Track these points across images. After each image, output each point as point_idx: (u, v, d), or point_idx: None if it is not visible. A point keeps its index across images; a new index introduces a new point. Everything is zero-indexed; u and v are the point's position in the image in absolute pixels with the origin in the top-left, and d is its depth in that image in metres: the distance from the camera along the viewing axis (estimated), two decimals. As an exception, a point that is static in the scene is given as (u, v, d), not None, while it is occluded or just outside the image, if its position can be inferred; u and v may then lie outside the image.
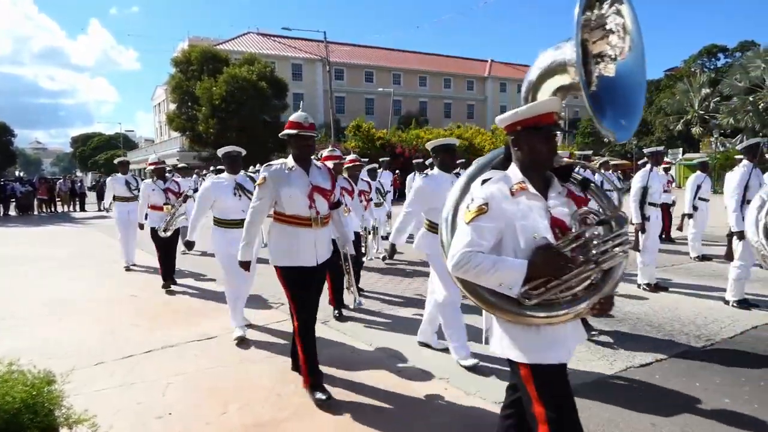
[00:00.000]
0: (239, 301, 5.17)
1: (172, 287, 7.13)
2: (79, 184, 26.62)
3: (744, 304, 5.81)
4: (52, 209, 23.91)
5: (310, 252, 3.68)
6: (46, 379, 2.47)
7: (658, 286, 6.73)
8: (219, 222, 5.17)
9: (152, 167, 7.51)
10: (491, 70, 59.24)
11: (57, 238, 13.75)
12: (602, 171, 10.65)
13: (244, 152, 5.33)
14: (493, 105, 58.07)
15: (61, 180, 26.79)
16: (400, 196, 16.44)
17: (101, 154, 68.95)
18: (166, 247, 7.28)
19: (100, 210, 24.26)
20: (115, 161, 9.41)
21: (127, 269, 8.78)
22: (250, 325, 5.35)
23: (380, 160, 12.83)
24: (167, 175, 8.20)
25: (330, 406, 3.52)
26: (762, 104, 30.63)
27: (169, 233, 7.15)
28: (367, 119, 32.54)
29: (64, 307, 6.28)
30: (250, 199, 4.11)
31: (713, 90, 36.63)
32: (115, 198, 8.96)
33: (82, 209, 24.79)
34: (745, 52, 39.41)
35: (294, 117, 3.70)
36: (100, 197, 26.02)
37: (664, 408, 3.46)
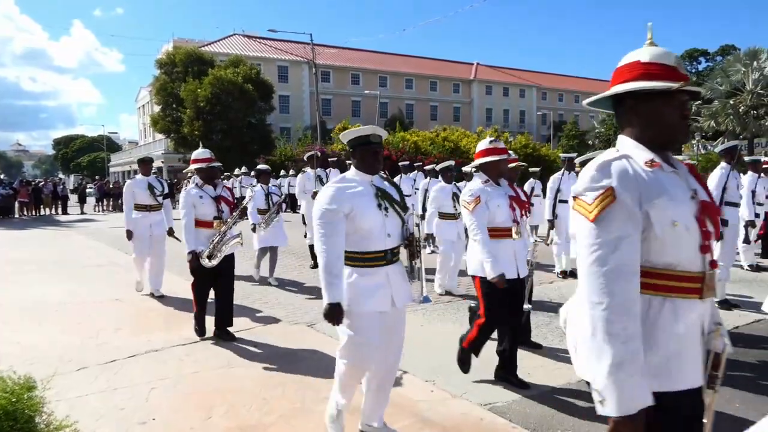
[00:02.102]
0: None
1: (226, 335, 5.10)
2: (61, 186, 26.23)
3: (725, 304, 5.89)
4: (34, 212, 23.54)
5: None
6: (27, 385, 2.43)
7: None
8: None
9: (198, 166, 5.17)
10: (477, 73, 59.54)
11: (39, 241, 13.54)
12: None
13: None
14: (479, 108, 58.41)
15: (43, 182, 26.40)
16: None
17: (84, 156, 68.16)
18: (212, 281, 5.05)
19: (82, 213, 23.99)
20: (135, 158, 7.80)
21: (152, 294, 6.91)
22: (230, 337, 5.30)
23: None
24: (246, 178, 7.08)
25: (320, 409, 3.51)
26: (742, 107, 31.15)
27: (215, 262, 4.86)
28: (354, 121, 32.56)
29: (46, 311, 6.18)
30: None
31: (695, 93, 37.10)
32: (134, 207, 6.86)
33: (65, 212, 24.44)
34: (725, 56, 40.07)
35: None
36: (83, 200, 25.72)
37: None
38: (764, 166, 8.35)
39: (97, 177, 34.70)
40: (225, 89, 30.56)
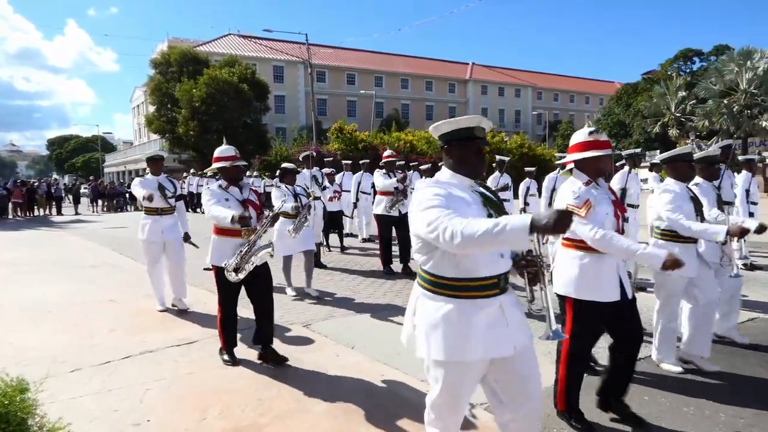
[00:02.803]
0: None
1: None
2: (55, 187, 26.12)
3: (719, 303, 5.92)
4: (28, 213, 23.42)
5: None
6: (19, 387, 2.41)
7: (637, 287, 6.83)
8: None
9: (221, 165, 4.52)
10: (472, 73, 59.64)
11: (33, 242, 13.47)
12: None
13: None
14: (474, 107, 58.46)
15: (37, 183, 26.27)
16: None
17: (78, 156, 67.91)
18: (245, 292, 4.43)
19: (77, 214, 23.89)
20: (144, 156, 6.60)
21: (165, 309, 6.14)
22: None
23: (360, 162, 12.81)
24: (246, 179, 6.22)
25: (314, 409, 3.50)
26: (736, 107, 31.29)
27: (242, 275, 4.18)
28: (350, 121, 32.52)
29: (40, 312, 6.14)
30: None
31: (689, 93, 37.33)
32: (145, 210, 6.24)
33: (59, 213, 24.33)
34: (719, 56, 40.22)
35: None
36: (77, 201, 25.61)
37: (642, 406, 3.50)
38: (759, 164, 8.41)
39: (91, 177, 34.53)
40: (220, 89, 30.51)
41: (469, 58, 74.73)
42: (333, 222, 10.49)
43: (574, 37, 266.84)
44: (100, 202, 26.81)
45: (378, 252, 8.65)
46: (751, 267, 8.22)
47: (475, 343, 2.17)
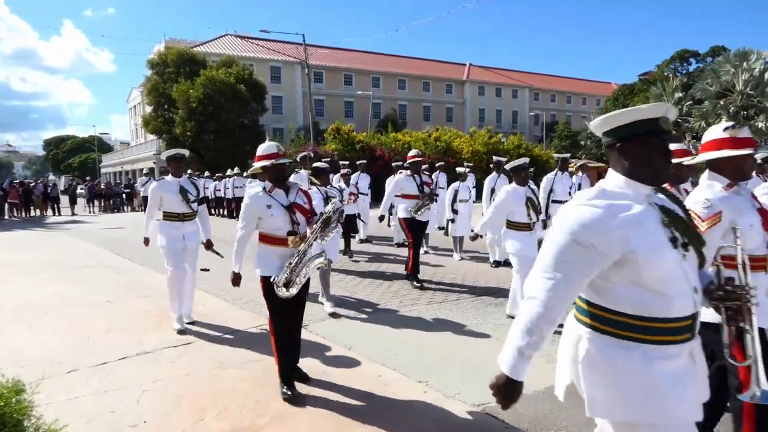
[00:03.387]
0: None
1: None
2: (51, 186, 26.03)
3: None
4: (24, 214, 23.34)
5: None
6: (15, 389, 2.39)
7: None
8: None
9: (263, 164, 3.85)
10: (469, 74, 59.68)
11: (29, 243, 13.42)
12: (580, 173, 10.83)
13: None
14: (472, 108, 58.53)
15: (33, 183, 26.17)
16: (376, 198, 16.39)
17: (75, 157, 67.72)
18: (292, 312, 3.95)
19: (73, 214, 23.81)
20: (164, 155, 5.73)
21: (182, 332, 5.31)
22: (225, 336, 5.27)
23: (357, 162, 12.80)
24: (298, 176, 5.95)
25: (311, 410, 3.49)
26: (732, 108, 31.42)
27: (294, 290, 3.73)
28: (347, 122, 32.45)
29: (36, 313, 6.12)
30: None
31: (685, 94, 37.46)
32: (164, 216, 5.52)
33: (56, 213, 24.24)
34: (716, 57, 40.39)
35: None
36: (73, 201, 25.52)
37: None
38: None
39: (87, 178, 34.44)
40: (217, 90, 30.45)
41: (466, 59, 74.75)
42: (348, 226, 9.78)
43: (571, 38, 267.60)
44: (96, 202, 26.72)
45: (385, 255, 8.54)
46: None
47: (674, 403, 1.69)
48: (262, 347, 4.77)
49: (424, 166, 12.01)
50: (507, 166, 5.36)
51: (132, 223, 18.71)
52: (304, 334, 5.24)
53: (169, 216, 5.48)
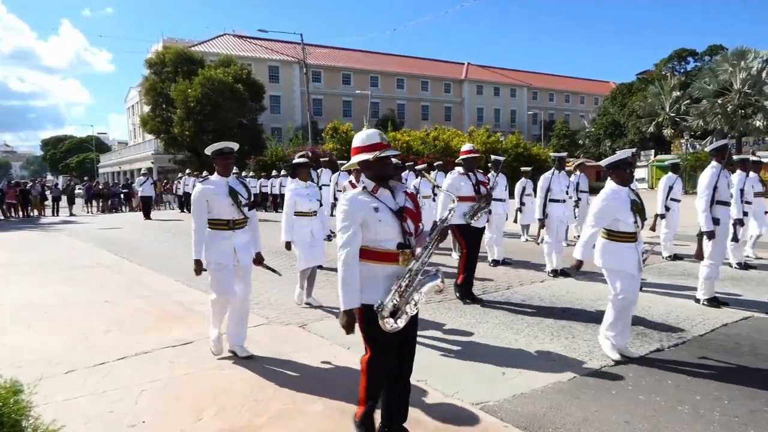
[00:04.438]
0: None
1: None
2: (52, 186, 26.00)
3: (714, 302, 5.94)
4: (22, 214, 23.30)
5: None
6: (13, 389, 2.39)
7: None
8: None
9: (363, 158, 2.96)
10: (468, 73, 59.73)
11: (27, 243, 13.41)
12: (578, 172, 10.84)
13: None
14: (470, 107, 58.59)
15: (31, 184, 26.13)
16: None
17: (73, 157, 67.65)
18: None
19: (71, 214, 23.78)
20: (209, 151, 4.54)
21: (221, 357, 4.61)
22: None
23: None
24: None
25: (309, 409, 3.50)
26: (730, 107, 31.47)
27: (402, 323, 2.88)
28: (345, 121, 32.51)
29: (34, 313, 6.11)
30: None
31: (683, 93, 37.53)
32: (210, 223, 4.46)
33: (55, 213, 24.21)
34: (713, 56, 40.48)
35: None
36: (71, 201, 25.49)
37: (638, 405, 3.52)
38: (753, 160, 8.45)
39: (86, 178, 34.40)
40: (215, 89, 30.42)
41: (464, 58, 74.90)
42: None
43: (569, 37, 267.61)
44: (94, 202, 26.68)
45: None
46: (745, 266, 8.26)
47: None
48: (260, 347, 4.77)
49: (421, 166, 12.07)
50: (603, 163, 4.51)
51: (130, 223, 18.71)
52: (303, 333, 5.26)
53: (215, 224, 4.45)
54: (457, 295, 6.39)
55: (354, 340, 4.96)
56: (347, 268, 2.81)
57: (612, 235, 4.40)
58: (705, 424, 3.28)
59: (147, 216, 19.97)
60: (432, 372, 4.16)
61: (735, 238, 7.38)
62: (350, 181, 8.93)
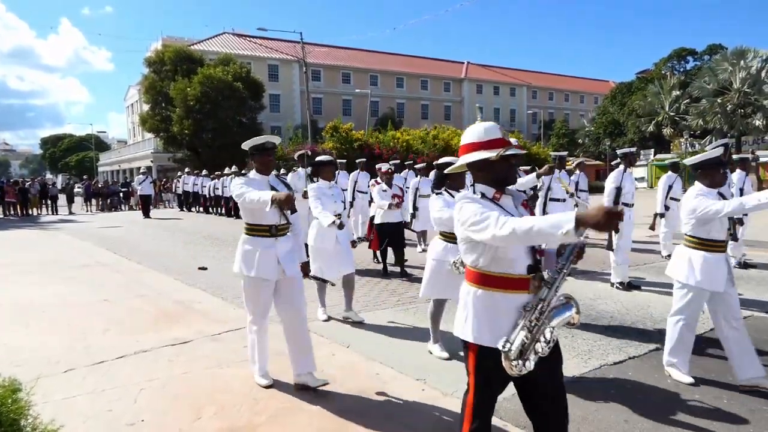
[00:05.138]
0: None
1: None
2: (51, 185, 25.97)
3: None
4: (21, 213, 23.27)
5: None
6: (11, 388, 2.39)
7: (630, 285, 6.85)
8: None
9: (484, 155, 2.31)
10: (467, 72, 59.67)
11: (25, 242, 13.39)
12: (578, 171, 10.83)
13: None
14: (470, 106, 58.49)
15: (30, 182, 26.10)
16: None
17: (72, 155, 67.61)
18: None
19: (70, 213, 23.75)
20: (247, 146, 3.94)
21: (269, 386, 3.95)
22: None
23: (357, 161, 12.79)
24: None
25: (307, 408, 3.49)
26: (729, 106, 31.47)
27: (530, 364, 2.25)
28: (345, 120, 32.41)
29: (33, 312, 6.10)
30: None
31: (683, 92, 37.52)
32: (247, 229, 3.92)
33: (54, 212, 24.19)
34: (713, 56, 40.47)
35: None
36: (70, 200, 25.47)
37: (637, 404, 3.51)
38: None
39: (85, 176, 34.38)
40: (215, 88, 30.41)
41: (464, 57, 74.82)
42: (391, 237, 7.79)
43: (569, 36, 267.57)
44: (94, 201, 26.66)
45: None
46: (745, 265, 8.26)
47: None
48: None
49: (420, 165, 12.01)
50: (690, 162, 3.96)
51: (129, 221, 18.68)
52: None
53: (255, 230, 3.85)
54: None
55: (353, 338, 4.98)
56: (524, 223, 2.04)
57: (701, 243, 3.82)
58: (704, 423, 3.27)
59: (146, 215, 19.96)
60: (430, 371, 4.15)
61: (734, 237, 7.38)
62: (377, 181, 8.55)
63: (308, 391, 3.77)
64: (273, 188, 3.84)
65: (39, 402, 2.80)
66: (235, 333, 5.23)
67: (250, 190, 3.65)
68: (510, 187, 2.41)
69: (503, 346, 2.22)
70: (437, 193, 4.31)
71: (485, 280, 2.31)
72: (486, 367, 2.33)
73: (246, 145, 3.91)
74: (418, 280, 7.66)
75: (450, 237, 4.23)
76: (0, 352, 4.67)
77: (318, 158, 5.83)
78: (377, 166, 8.92)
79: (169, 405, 3.63)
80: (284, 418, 3.42)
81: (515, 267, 2.26)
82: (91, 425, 3.33)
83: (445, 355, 4.45)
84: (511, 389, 3.81)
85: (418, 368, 4.21)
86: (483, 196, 2.30)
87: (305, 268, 4.06)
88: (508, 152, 2.29)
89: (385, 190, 7.88)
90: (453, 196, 4.08)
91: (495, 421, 3.35)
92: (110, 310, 6.23)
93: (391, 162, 11.12)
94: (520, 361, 2.22)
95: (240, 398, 3.70)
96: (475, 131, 2.38)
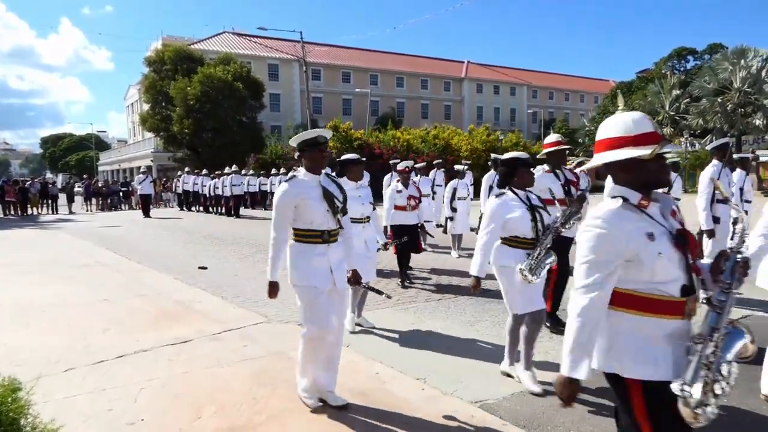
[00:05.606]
0: None
1: None
2: (51, 185, 25.97)
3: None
4: (21, 212, 23.26)
5: None
6: (11, 387, 2.39)
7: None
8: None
9: (635, 153, 1.90)
10: (468, 72, 59.64)
11: (26, 241, 13.39)
12: (577, 171, 10.82)
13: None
14: (470, 106, 58.50)
15: (30, 182, 26.11)
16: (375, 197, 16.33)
17: (72, 155, 67.61)
18: None
19: (71, 212, 23.76)
20: (296, 141, 3.58)
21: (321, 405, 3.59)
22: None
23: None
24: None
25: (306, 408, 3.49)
26: (730, 105, 31.44)
27: (714, 408, 1.81)
28: (345, 120, 32.45)
29: (33, 312, 6.10)
30: None
31: (683, 91, 37.49)
32: (296, 235, 3.51)
33: (54, 211, 24.18)
34: (713, 55, 40.45)
35: None
36: (71, 199, 25.48)
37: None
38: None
39: (85, 176, 34.37)
40: (215, 87, 30.38)
41: (464, 57, 74.75)
42: (407, 241, 6.77)
43: (569, 35, 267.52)
44: (94, 200, 26.66)
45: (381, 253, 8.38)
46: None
47: None
48: (259, 345, 4.77)
49: (420, 165, 11.98)
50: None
51: (129, 221, 18.69)
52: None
53: (306, 236, 3.45)
54: (547, 324, 4.99)
55: (353, 338, 4.98)
56: (588, 319, 1.88)
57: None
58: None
59: (146, 214, 19.97)
60: (430, 370, 4.15)
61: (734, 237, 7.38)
62: (400, 170, 7.79)
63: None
64: (326, 190, 3.46)
65: (39, 401, 2.80)
66: (234, 332, 5.23)
67: (279, 227, 3.43)
68: (657, 191, 2.01)
69: (681, 391, 1.79)
70: (500, 193, 3.91)
71: (630, 302, 1.92)
72: (658, 411, 1.87)
73: (295, 141, 3.55)
74: (419, 279, 7.68)
75: (515, 241, 3.84)
76: (0, 352, 4.67)
77: (344, 157, 5.44)
78: (391, 162, 8.38)
79: (169, 404, 3.63)
80: (284, 417, 3.42)
81: (668, 288, 1.89)
82: (91, 424, 3.33)
83: (536, 388, 3.71)
84: (508, 387, 3.81)
85: (418, 368, 4.21)
86: (625, 201, 1.92)
87: (356, 276, 3.69)
88: (663, 149, 1.92)
89: (400, 191, 7.23)
90: (518, 196, 3.86)
91: (494, 419, 3.36)
92: (110, 309, 6.23)
93: (391, 161, 10.74)
94: (703, 408, 1.78)
95: (240, 397, 3.70)
96: (621, 123, 1.99)
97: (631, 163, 1.92)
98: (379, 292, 4.11)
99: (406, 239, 6.58)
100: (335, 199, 3.48)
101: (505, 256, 3.87)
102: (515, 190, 3.90)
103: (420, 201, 7.63)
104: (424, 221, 8.27)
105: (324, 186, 3.48)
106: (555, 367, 4.15)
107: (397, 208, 7.20)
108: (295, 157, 3.65)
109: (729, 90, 31.82)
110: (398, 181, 7.57)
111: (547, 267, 3.64)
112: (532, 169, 4.05)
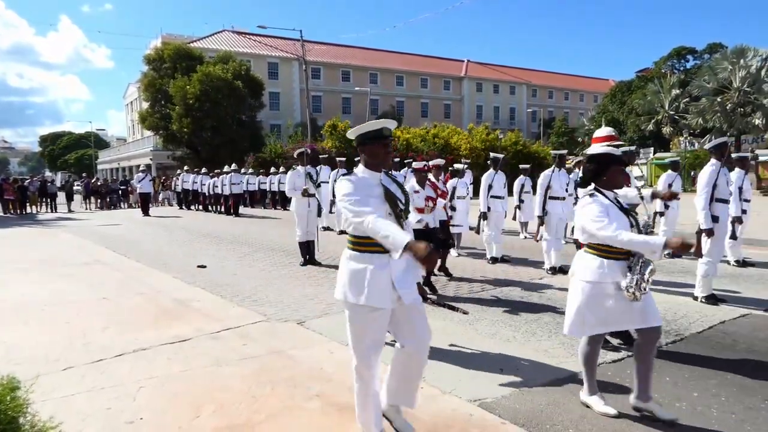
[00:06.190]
0: None
1: None
2: (50, 183, 25.94)
3: (712, 299, 5.94)
4: (20, 210, 23.25)
5: None
6: (10, 386, 2.39)
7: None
8: None
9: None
10: (467, 70, 59.66)
11: (25, 239, 13.38)
12: (577, 170, 10.83)
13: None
14: (470, 104, 58.53)
15: (29, 180, 26.08)
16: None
17: (71, 153, 67.53)
18: None
19: (70, 211, 23.74)
20: (355, 133, 3.00)
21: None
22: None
23: (356, 159, 12.75)
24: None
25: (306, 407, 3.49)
26: (729, 105, 31.44)
27: None
28: (344, 118, 32.50)
29: (32, 310, 6.10)
30: None
31: (683, 91, 37.49)
32: (353, 243, 2.94)
33: (53, 210, 24.16)
34: (713, 54, 40.44)
35: None
36: (70, 198, 25.46)
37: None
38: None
39: (84, 174, 34.35)
40: (214, 86, 30.38)
41: (464, 56, 74.78)
42: (438, 240, 6.75)
43: (568, 34, 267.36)
44: (93, 199, 26.64)
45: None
46: (744, 263, 8.27)
47: None
48: (258, 344, 4.77)
49: (420, 164, 11.93)
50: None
51: (128, 219, 18.68)
52: (301, 330, 5.25)
53: (364, 244, 2.87)
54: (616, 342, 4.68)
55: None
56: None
57: None
58: (702, 421, 3.28)
59: (145, 213, 19.97)
60: (430, 369, 4.14)
61: (733, 236, 7.40)
62: (416, 169, 7.21)
63: (306, 390, 3.77)
64: (388, 191, 2.93)
65: (38, 400, 2.80)
66: (234, 331, 5.23)
67: (373, 216, 2.70)
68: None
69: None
70: (590, 194, 3.38)
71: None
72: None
73: (353, 133, 3.01)
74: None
75: (609, 251, 3.27)
76: (-1, 350, 4.67)
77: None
78: (406, 161, 7.92)
79: (168, 403, 3.63)
80: (283, 416, 3.42)
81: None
82: (90, 423, 3.32)
83: (612, 411, 3.35)
84: (507, 386, 3.82)
85: (417, 366, 4.21)
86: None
87: (421, 291, 3.10)
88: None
89: (417, 191, 6.65)
90: (608, 198, 3.34)
91: (492, 418, 3.36)
92: (109, 308, 6.22)
93: (432, 161, 8.95)
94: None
95: (239, 396, 3.70)
96: None
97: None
98: (455, 309, 3.55)
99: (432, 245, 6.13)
100: (398, 200, 2.96)
101: (598, 271, 3.30)
102: (603, 190, 3.37)
103: (436, 202, 7.02)
104: (454, 225, 8.42)
105: (385, 186, 2.95)
106: (555, 369, 4.16)
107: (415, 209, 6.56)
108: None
109: (728, 89, 31.82)
110: (419, 180, 6.93)
111: (651, 280, 3.08)
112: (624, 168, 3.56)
